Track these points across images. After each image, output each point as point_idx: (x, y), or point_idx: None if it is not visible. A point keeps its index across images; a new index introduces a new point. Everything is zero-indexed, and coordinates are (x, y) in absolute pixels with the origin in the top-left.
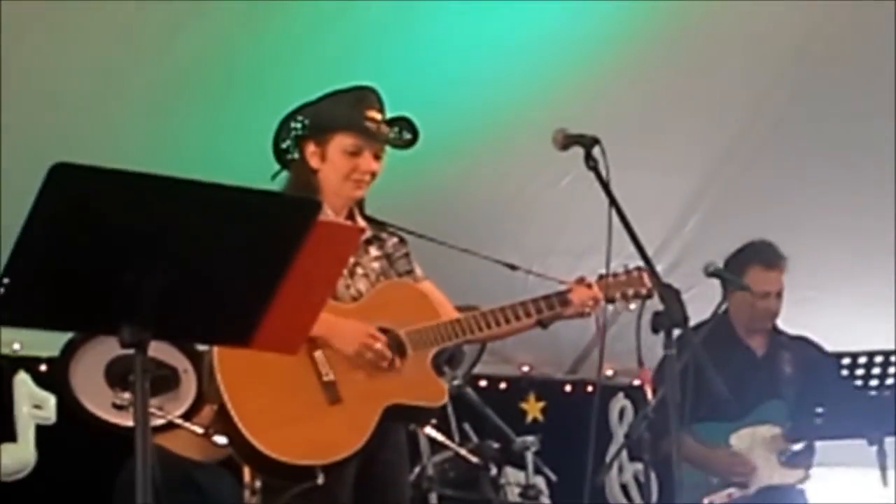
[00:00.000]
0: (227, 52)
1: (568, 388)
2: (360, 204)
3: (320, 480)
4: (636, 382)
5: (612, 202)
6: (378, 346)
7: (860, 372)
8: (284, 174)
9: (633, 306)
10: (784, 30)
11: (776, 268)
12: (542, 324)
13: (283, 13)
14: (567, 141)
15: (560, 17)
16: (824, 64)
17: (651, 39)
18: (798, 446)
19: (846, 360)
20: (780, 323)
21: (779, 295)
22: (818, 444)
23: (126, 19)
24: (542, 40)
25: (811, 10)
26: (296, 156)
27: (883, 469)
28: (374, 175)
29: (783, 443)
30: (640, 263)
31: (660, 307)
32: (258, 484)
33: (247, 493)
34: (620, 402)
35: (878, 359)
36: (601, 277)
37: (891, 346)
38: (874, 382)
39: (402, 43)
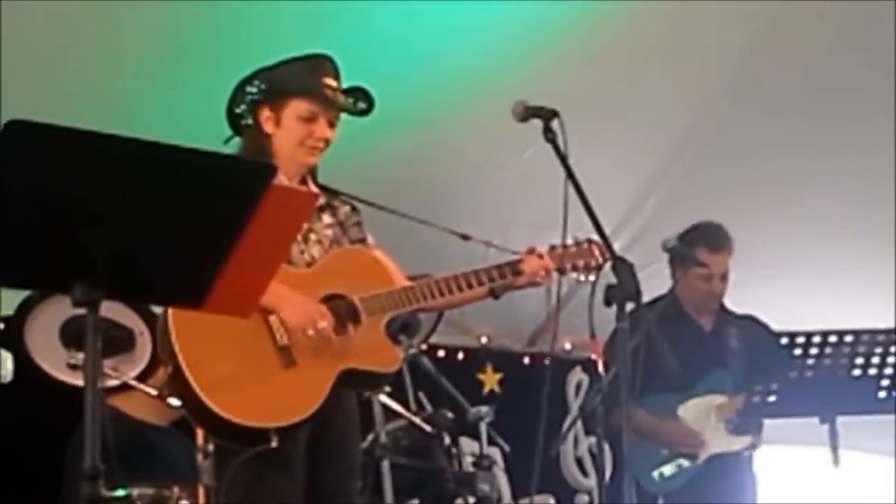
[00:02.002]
0: (184, 18)
1: (526, 360)
2: (312, 171)
3: (274, 443)
4: (592, 356)
5: (569, 175)
6: (322, 324)
7: (814, 351)
8: (237, 140)
9: (583, 278)
10: (748, 12)
11: (721, 250)
12: (495, 293)
13: None
14: (526, 113)
15: None
16: (786, 48)
17: (614, 17)
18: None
19: (800, 339)
20: (739, 300)
21: (723, 277)
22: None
23: None
24: (504, 16)
25: None
26: (250, 121)
27: (835, 448)
28: (328, 142)
29: (730, 411)
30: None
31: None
32: (211, 447)
33: (199, 456)
34: (578, 375)
35: (832, 338)
36: (553, 248)
37: (844, 326)
38: (827, 362)
39: (360, 16)
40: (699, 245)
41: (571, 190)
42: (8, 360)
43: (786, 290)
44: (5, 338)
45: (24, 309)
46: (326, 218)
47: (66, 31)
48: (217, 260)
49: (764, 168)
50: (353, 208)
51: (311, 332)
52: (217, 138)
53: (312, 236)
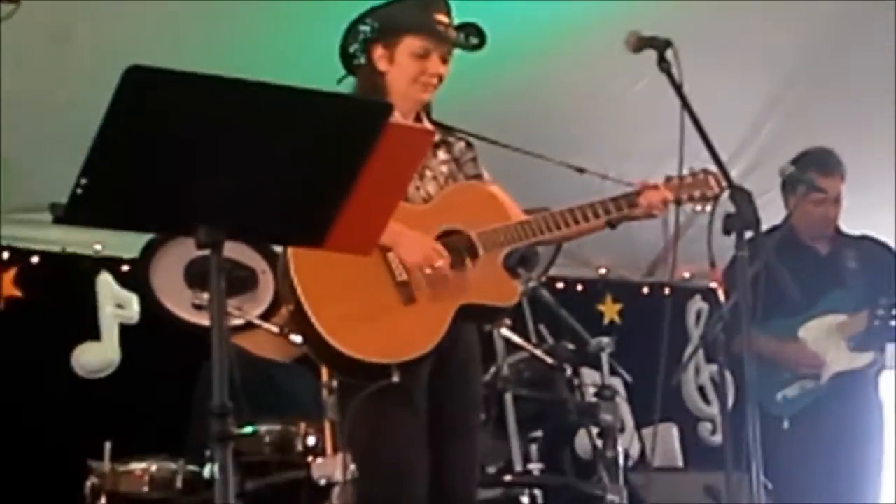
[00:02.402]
0: None
1: (645, 290)
2: (427, 108)
3: (396, 378)
4: (712, 285)
5: (685, 104)
6: (439, 262)
7: None
8: (351, 80)
9: (699, 208)
10: None
11: (833, 174)
12: (611, 224)
13: None
14: (640, 43)
15: None
16: None
17: None
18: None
19: None
20: (854, 226)
21: (836, 201)
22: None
23: None
24: None
25: None
26: (363, 60)
27: None
28: (441, 78)
29: (851, 330)
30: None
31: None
32: (335, 383)
33: (324, 392)
34: (697, 304)
35: None
36: (669, 179)
37: None
38: None
39: None
40: (811, 170)
41: (687, 119)
42: (134, 301)
43: None
44: (131, 280)
45: (149, 251)
46: (441, 154)
47: None
48: (337, 198)
49: (879, 91)
50: (468, 144)
51: (428, 271)
52: (331, 79)
53: (428, 173)
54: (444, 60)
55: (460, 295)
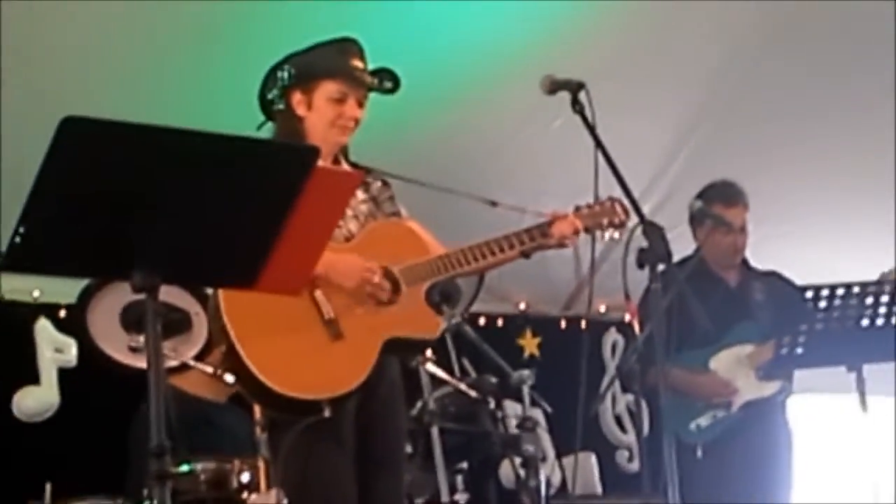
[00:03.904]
0: (213, 9)
1: (563, 324)
2: (344, 150)
3: (327, 413)
4: (627, 317)
5: (598, 144)
6: (376, 279)
7: (837, 303)
8: (270, 126)
9: (607, 236)
10: None
11: (736, 204)
12: (525, 255)
13: None
14: (554, 86)
15: None
16: (797, 10)
17: None
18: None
19: (824, 292)
20: (763, 256)
21: (742, 230)
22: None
23: None
24: None
25: None
26: (281, 106)
27: (862, 395)
28: (357, 122)
29: (759, 359)
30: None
31: (646, 244)
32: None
33: (257, 429)
34: (613, 336)
35: (855, 289)
36: (577, 209)
37: (867, 274)
38: (851, 312)
39: None
40: (715, 202)
41: (601, 158)
42: (72, 346)
43: (807, 245)
44: (69, 325)
45: (86, 296)
46: (360, 194)
47: (98, 26)
48: (267, 241)
49: (782, 130)
50: (385, 183)
51: (368, 289)
52: (251, 127)
53: (349, 212)
54: (360, 104)
55: (386, 330)
